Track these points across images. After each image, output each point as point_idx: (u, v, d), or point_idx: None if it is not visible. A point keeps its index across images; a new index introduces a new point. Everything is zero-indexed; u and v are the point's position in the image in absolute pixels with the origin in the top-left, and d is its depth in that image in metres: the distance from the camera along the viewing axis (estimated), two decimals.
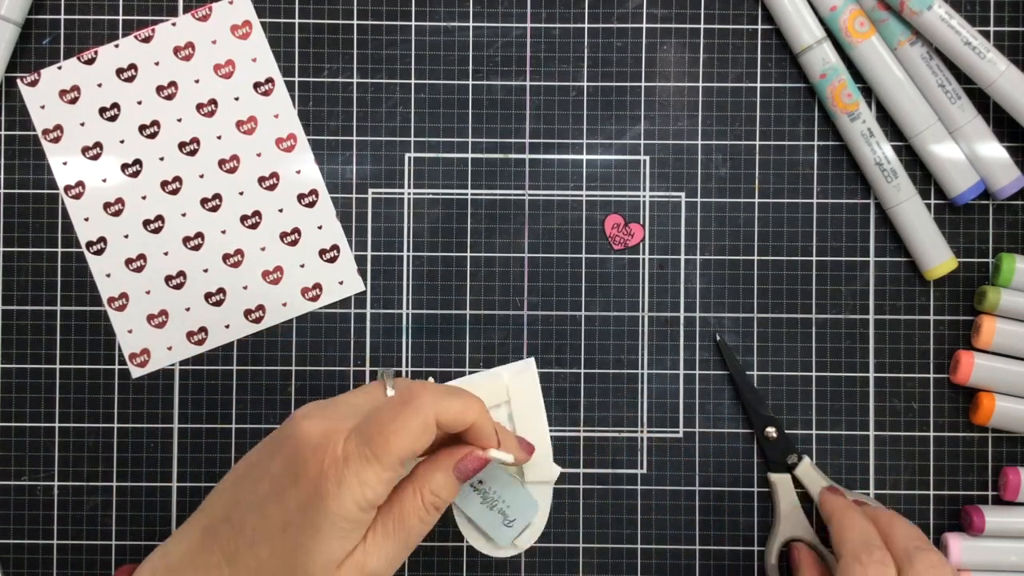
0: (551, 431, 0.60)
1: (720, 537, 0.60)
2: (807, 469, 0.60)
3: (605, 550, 0.60)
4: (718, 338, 0.61)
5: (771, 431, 0.60)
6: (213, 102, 0.60)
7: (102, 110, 0.60)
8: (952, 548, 0.59)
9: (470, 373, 0.60)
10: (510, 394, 0.59)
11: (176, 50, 0.60)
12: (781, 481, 0.60)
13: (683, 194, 0.61)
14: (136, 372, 0.60)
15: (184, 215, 0.60)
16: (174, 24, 0.60)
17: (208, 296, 0.60)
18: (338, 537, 0.46)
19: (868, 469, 0.60)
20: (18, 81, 0.60)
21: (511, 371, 0.60)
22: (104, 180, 0.60)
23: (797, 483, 0.60)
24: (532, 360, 0.60)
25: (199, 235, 0.60)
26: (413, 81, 0.61)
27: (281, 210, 0.60)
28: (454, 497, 0.50)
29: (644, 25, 0.60)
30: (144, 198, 0.60)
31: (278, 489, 0.47)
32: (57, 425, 0.60)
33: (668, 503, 0.60)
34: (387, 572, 0.48)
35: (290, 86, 0.60)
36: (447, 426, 0.48)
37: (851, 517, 0.53)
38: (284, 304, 0.60)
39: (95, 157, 0.60)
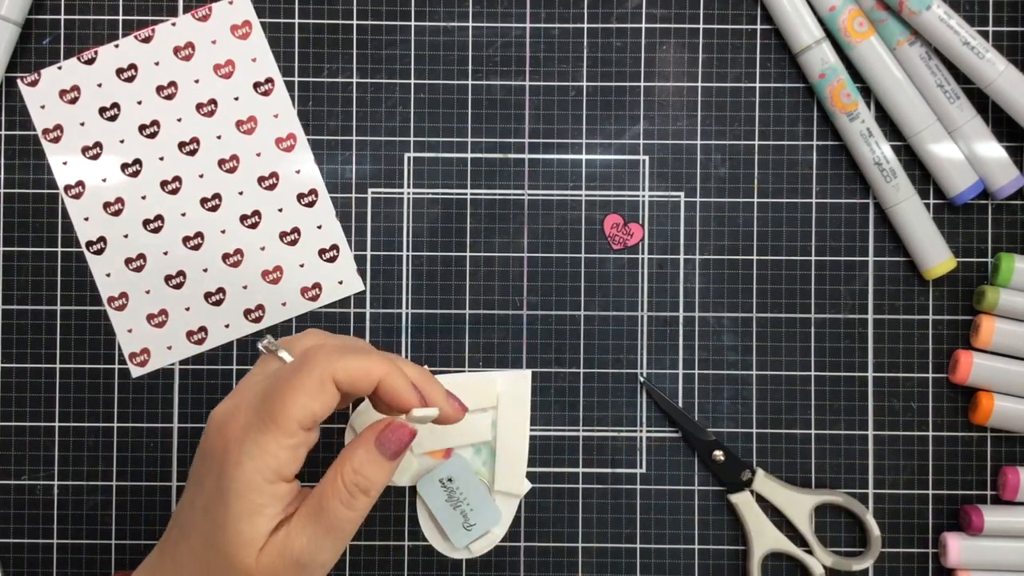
0: (552, 431, 0.60)
1: (720, 537, 0.60)
2: (763, 481, 0.60)
3: (605, 550, 0.60)
4: (641, 379, 0.61)
5: (718, 454, 0.60)
6: (213, 102, 0.60)
7: (102, 110, 0.60)
8: (951, 548, 0.59)
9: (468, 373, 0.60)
10: (499, 401, 0.59)
11: (176, 50, 0.60)
12: (742, 500, 0.60)
13: (682, 194, 0.61)
14: (136, 372, 0.60)
15: (184, 215, 0.60)
16: (174, 24, 0.60)
17: (208, 296, 0.60)
18: (248, 512, 0.45)
19: (867, 469, 0.60)
20: (18, 81, 0.60)
21: (505, 378, 0.60)
22: (104, 180, 0.60)
23: (758, 498, 0.60)
24: (529, 372, 0.60)
25: (199, 235, 0.60)
26: (413, 81, 0.61)
27: (281, 210, 0.60)
28: (384, 479, 0.47)
29: (644, 25, 0.61)
30: (144, 198, 0.60)
31: (199, 478, 0.47)
32: (57, 425, 0.60)
33: (668, 503, 0.60)
34: (317, 559, 0.46)
35: (290, 86, 0.60)
36: (349, 385, 0.46)
37: None
38: (284, 304, 0.60)
39: (95, 157, 0.60)
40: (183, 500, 0.48)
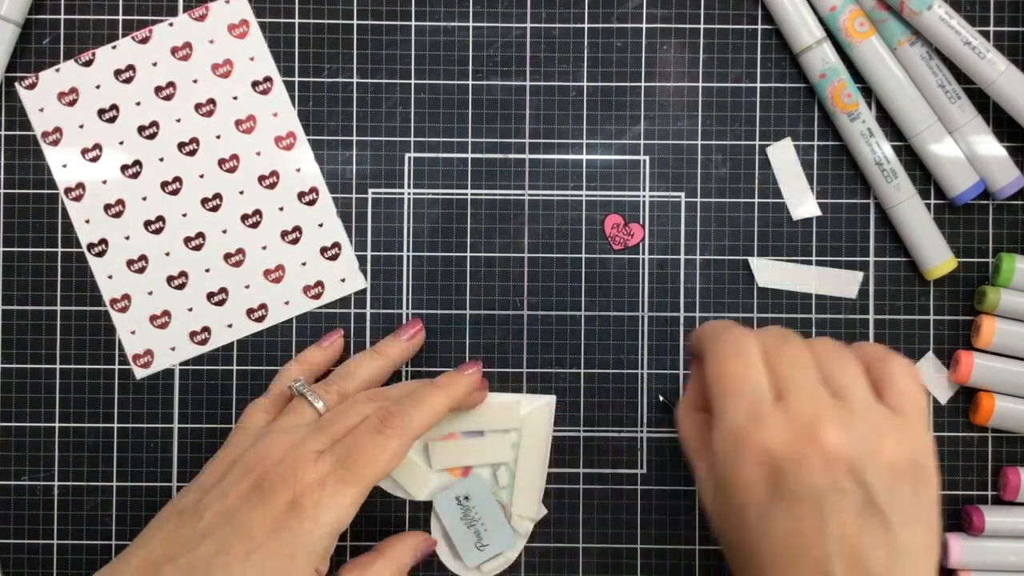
0: (552, 431, 0.60)
1: None
2: None
3: (605, 550, 0.60)
4: (661, 398, 0.60)
5: None
6: (212, 102, 0.60)
7: (101, 111, 0.60)
8: (952, 548, 0.59)
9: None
10: (522, 424, 0.59)
11: (174, 50, 0.60)
12: None
13: (683, 194, 0.61)
14: (140, 373, 0.60)
15: (185, 215, 0.60)
16: (171, 24, 0.60)
17: (210, 296, 0.60)
18: (311, 564, 0.46)
19: None
20: (16, 84, 0.60)
21: (530, 402, 0.60)
22: (104, 181, 0.60)
23: None
24: (553, 398, 0.60)
25: (200, 235, 0.60)
26: (413, 81, 0.61)
27: (282, 208, 0.60)
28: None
29: (644, 25, 0.60)
30: (144, 199, 0.60)
31: (240, 517, 0.47)
32: (57, 425, 0.60)
33: (668, 503, 0.60)
34: None
35: (290, 86, 0.60)
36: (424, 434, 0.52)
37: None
38: (286, 303, 0.60)
39: (95, 159, 0.60)
40: (195, 533, 0.47)
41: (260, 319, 0.60)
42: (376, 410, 0.50)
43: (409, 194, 0.61)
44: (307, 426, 0.50)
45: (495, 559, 0.59)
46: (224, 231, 0.60)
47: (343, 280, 0.60)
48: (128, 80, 0.60)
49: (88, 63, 0.60)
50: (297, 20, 0.60)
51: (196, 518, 0.47)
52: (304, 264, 0.60)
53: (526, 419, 0.59)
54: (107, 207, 0.60)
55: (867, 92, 0.60)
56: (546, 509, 0.59)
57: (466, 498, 0.58)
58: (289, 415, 0.52)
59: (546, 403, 0.60)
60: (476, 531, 0.58)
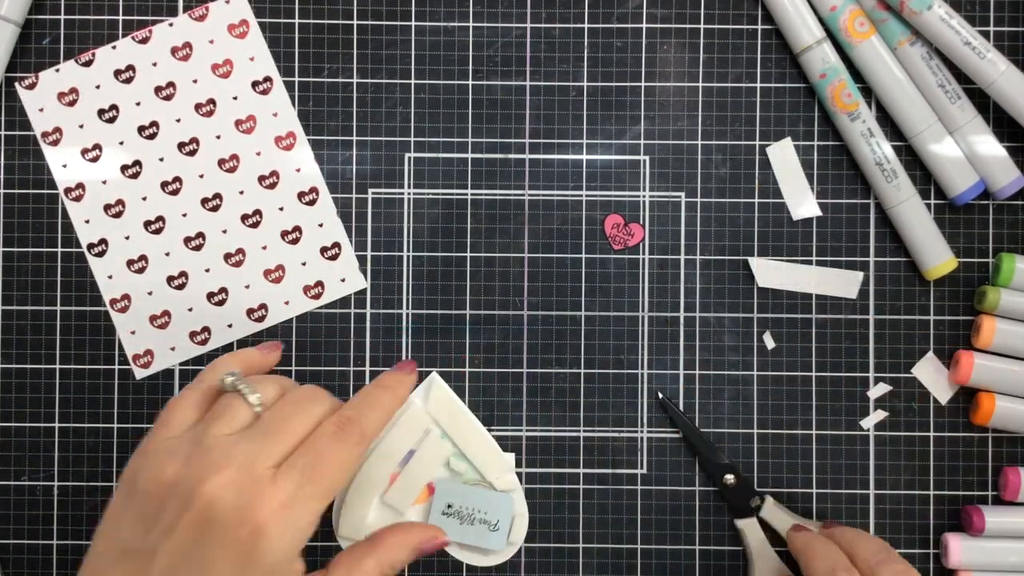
0: (552, 431, 0.60)
1: (720, 537, 0.60)
2: (771, 509, 0.59)
3: (605, 550, 0.60)
4: (659, 396, 0.60)
5: (730, 478, 0.60)
6: (212, 102, 0.60)
7: (100, 112, 0.60)
8: (952, 548, 0.59)
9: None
10: (433, 416, 0.59)
11: (174, 50, 0.60)
12: (748, 526, 0.60)
13: (683, 194, 0.61)
14: (140, 373, 0.60)
15: (185, 215, 0.60)
16: (171, 24, 0.60)
17: (210, 296, 0.60)
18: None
19: (868, 469, 0.60)
20: (16, 84, 0.60)
21: (420, 396, 0.60)
22: (104, 182, 0.60)
23: (764, 525, 0.60)
24: (434, 374, 0.60)
25: (200, 235, 0.60)
26: (413, 81, 0.61)
27: (282, 208, 0.60)
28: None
29: (644, 25, 0.60)
30: (144, 199, 0.60)
31: (199, 553, 0.42)
32: (57, 425, 0.60)
33: (668, 503, 0.60)
34: None
35: (290, 86, 0.60)
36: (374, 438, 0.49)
37: (816, 547, 0.54)
38: (286, 303, 0.60)
39: (95, 159, 0.60)
40: None
41: (260, 319, 0.60)
42: (327, 413, 0.47)
43: (409, 194, 0.61)
44: (249, 432, 0.46)
45: (512, 527, 0.59)
46: (224, 231, 0.60)
47: (343, 280, 0.60)
48: (128, 80, 0.60)
49: (88, 63, 0.60)
50: (297, 20, 0.60)
51: (146, 559, 0.43)
52: (304, 264, 0.60)
53: (430, 408, 0.59)
54: (107, 207, 0.60)
55: (867, 92, 0.60)
56: (512, 454, 0.59)
57: (448, 506, 0.58)
58: (221, 420, 0.46)
59: (430, 382, 0.60)
60: (480, 520, 0.58)
